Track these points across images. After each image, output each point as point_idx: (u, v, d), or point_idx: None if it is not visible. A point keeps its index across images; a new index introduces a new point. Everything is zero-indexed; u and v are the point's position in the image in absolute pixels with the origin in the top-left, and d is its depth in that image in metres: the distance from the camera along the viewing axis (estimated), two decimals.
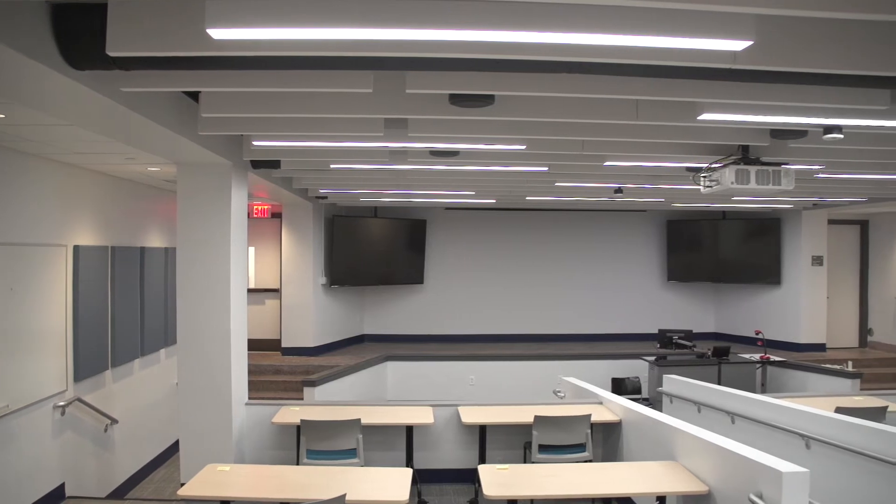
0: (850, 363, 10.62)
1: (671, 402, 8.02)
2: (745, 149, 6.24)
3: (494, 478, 4.62)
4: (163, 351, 8.75)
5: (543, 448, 6.19)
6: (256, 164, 6.97)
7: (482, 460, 6.62)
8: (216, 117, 5.24)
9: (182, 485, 5.22)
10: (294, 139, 5.90)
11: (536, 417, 6.18)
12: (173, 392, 8.29)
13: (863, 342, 13.64)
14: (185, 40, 3.26)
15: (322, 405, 7.23)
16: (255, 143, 6.09)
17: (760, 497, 3.81)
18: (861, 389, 9.28)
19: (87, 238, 6.93)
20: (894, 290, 12.85)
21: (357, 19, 2.96)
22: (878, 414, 6.67)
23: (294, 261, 11.43)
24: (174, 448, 8.50)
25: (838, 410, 5.93)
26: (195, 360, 6.52)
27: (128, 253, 7.80)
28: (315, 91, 4.54)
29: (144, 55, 3.39)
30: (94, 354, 6.98)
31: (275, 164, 7.07)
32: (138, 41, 3.28)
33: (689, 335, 11.29)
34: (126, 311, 7.70)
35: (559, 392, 8.21)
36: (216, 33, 3.02)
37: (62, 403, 6.33)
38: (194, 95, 5.10)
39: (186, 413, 6.55)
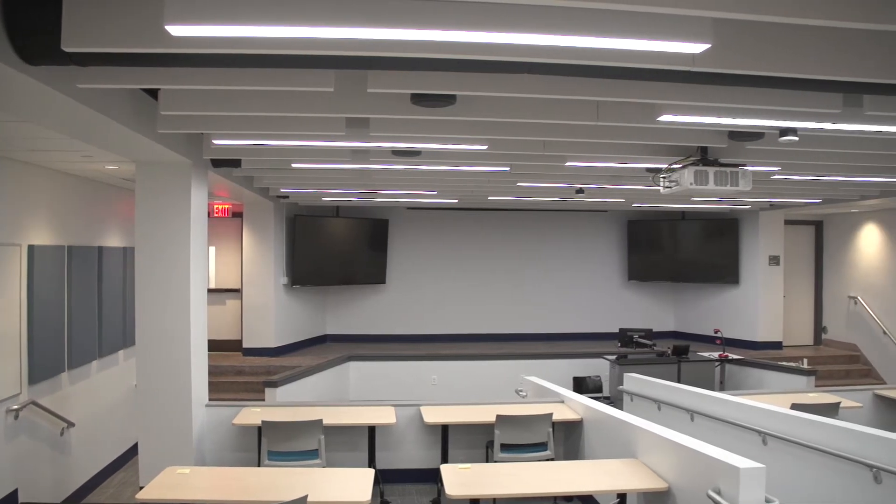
0: (805, 360, 10.85)
1: (632, 400, 8.10)
2: (703, 150, 6.33)
3: (457, 477, 4.63)
4: (121, 352, 8.60)
5: (505, 447, 6.21)
6: (217, 163, 6.91)
7: (444, 460, 6.62)
8: (176, 115, 5.18)
9: (141, 488, 5.15)
10: (255, 138, 5.85)
11: (498, 417, 6.21)
12: (132, 394, 8.15)
13: (818, 340, 13.92)
14: (144, 36, 3.21)
15: (284, 406, 7.19)
16: (215, 141, 6.02)
17: (719, 493, 3.87)
18: (816, 386, 9.45)
19: (42, 237, 6.79)
20: (848, 289, 13.13)
21: (318, 18, 2.94)
22: (831, 410, 6.82)
23: (255, 261, 11.34)
24: (133, 451, 8.36)
25: (794, 407, 6.05)
26: (154, 362, 6.44)
27: (85, 253, 7.66)
28: (276, 89, 4.50)
29: (102, 51, 3.31)
30: (49, 356, 6.84)
31: (235, 163, 7.00)
32: (95, 36, 3.21)
33: (649, 334, 11.42)
34: (83, 311, 7.55)
35: (521, 391, 8.26)
36: (175, 30, 2.98)
37: (15, 407, 6.19)
38: (153, 93, 5.02)
39: (145, 415, 6.47)
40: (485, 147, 6.12)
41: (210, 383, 7.13)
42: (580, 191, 9.49)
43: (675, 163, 6.44)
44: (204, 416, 6.73)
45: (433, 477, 6.45)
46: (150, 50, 3.30)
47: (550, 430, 6.29)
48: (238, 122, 5.37)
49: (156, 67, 3.97)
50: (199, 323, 6.67)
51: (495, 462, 6.08)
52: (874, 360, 12.48)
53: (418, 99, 4.51)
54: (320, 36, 3.08)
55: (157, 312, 6.42)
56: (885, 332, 12.14)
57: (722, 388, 10.54)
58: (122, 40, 3.24)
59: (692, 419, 6.75)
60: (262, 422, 5.95)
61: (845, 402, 7.22)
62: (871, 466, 4.60)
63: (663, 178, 6.46)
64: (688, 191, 6.15)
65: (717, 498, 3.83)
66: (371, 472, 4.68)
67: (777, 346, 12.93)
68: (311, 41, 3.18)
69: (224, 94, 4.76)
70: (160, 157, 6.08)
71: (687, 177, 6.06)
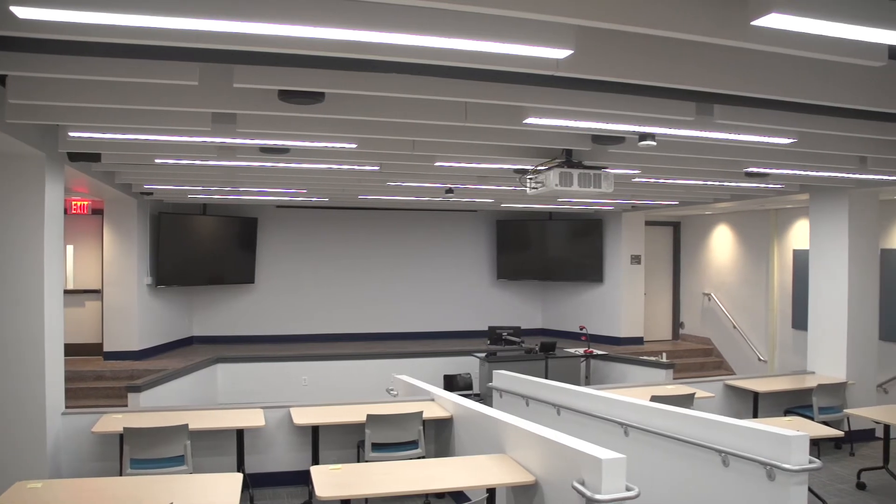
0: (664, 355, 11.38)
1: (501, 396, 8.26)
2: (568, 153, 6.54)
3: (327, 478, 4.59)
4: None
5: (376, 446, 6.21)
6: (74, 157, 6.54)
7: (315, 461, 6.55)
8: (26, 104, 4.86)
9: None
10: (115, 131, 5.56)
11: (369, 416, 6.20)
12: None
13: (675, 335, 14.65)
14: None
15: (147, 411, 6.90)
16: (71, 133, 5.70)
17: (583, 484, 3.99)
18: (674, 378, 9.93)
19: None
20: (702, 287, 13.90)
21: (180, 8, 2.83)
22: (687, 400, 7.20)
23: (117, 260, 10.83)
24: None
25: (653, 399, 6.33)
26: (4, 368, 6.01)
27: None
28: (137, 81, 4.31)
29: None
30: None
31: (94, 158, 6.67)
32: None
33: (517, 331, 11.69)
34: None
35: (392, 390, 8.27)
36: (21, 11, 2.76)
37: None
38: (1, 79, 4.71)
39: None
40: (354, 146, 6.09)
41: (67, 390, 6.76)
42: (450, 191, 9.60)
43: (541, 164, 6.62)
44: (60, 425, 6.37)
45: (304, 479, 6.38)
46: None
47: (421, 428, 6.34)
48: (97, 114, 5.11)
49: (1, 52, 3.71)
50: (54, 326, 6.30)
51: (367, 462, 6.06)
52: (725, 353, 13.28)
53: (286, 95, 4.44)
54: (183, 27, 2.97)
55: (7, 315, 6.01)
56: (734, 327, 12.93)
57: (587, 383, 10.90)
58: None
59: (559, 413, 6.95)
60: (124, 429, 5.71)
61: (700, 393, 7.66)
62: (720, 451, 4.89)
63: (530, 179, 6.63)
64: (553, 192, 6.33)
65: (581, 489, 3.96)
66: (239, 476, 4.56)
67: (638, 341, 13.52)
68: (172, 32, 3.06)
69: (81, 84, 4.50)
70: (9, 149, 5.70)
71: (552, 178, 6.24)
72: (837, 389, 8.31)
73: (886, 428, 6.92)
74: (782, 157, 6.64)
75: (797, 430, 4.58)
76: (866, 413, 7.09)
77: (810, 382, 8.48)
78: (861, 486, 6.97)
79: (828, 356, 9.10)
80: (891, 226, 10.07)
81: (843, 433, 6.32)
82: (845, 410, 7.71)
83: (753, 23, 2.78)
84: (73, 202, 10.81)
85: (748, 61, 3.88)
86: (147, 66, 3.93)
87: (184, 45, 3.22)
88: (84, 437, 6.34)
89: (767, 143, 5.88)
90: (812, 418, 7.58)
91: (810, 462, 4.46)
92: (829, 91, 4.18)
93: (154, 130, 5.52)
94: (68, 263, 11.46)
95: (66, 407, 6.61)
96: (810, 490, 5.32)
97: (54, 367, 6.34)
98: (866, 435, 8.58)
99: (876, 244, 9.17)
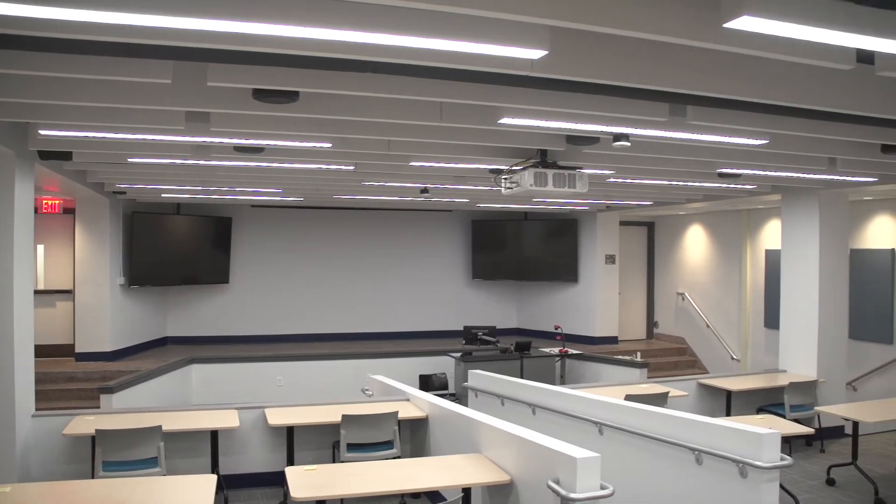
0: (638, 354, 11.47)
1: (476, 396, 8.27)
2: (543, 153, 6.56)
3: (302, 479, 4.57)
4: None
5: (352, 447, 6.20)
6: (45, 155, 6.45)
7: (290, 462, 6.52)
8: None
9: None
10: (87, 129, 5.49)
11: (344, 416, 6.19)
12: None
13: (650, 334, 14.76)
14: None
15: (120, 413, 6.84)
16: (41, 131, 5.63)
17: (558, 482, 4.01)
18: (648, 377, 10.00)
19: None
20: (676, 286, 14.01)
21: (154, 5, 2.80)
22: (661, 399, 7.26)
23: (89, 259, 10.69)
24: None
25: (628, 398, 6.38)
26: None
27: None
28: (110, 79, 4.25)
29: None
30: None
31: (66, 156, 6.59)
32: None
33: (493, 331, 11.71)
34: None
35: (367, 390, 8.26)
36: None
37: None
38: None
39: None
40: (329, 145, 6.07)
41: (38, 392, 6.68)
42: (425, 190, 9.60)
43: (516, 165, 6.64)
44: (30, 428, 6.29)
45: (279, 480, 6.33)
46: None
47: (396, 428, 6.34)
48: (68, 112, 5.04)
49: None
50: (23, 326, 6.21)
51: (342, 462, 6.05)
52: (699, 352, 13.40)
53: (261, 94, 4.42)
54: (155, 25, 2.93)
55: None
56: (708, 326, 13.05)
57: (562, 382, 10.96)
58: None
59: (534, 413, 6.97)
60: (96, 430, 5.65)
61: (673, 392, 7.73)
62: (693, 449, 4.93)
63: (505, 179, 6.64)
64: (528, 192, 6.35)
65: (556, 487, 3.98)
66: (213, 477, 4.53)
67: (613, 340, 13.60)
68: (145, 29, 3.02)
69: (52, 81, 4.43)
70: None
71: (527, 178, 6.26)
72: (808, 387, 8.41)
73: (855, 425, 7.02)
74: (754, 157, 6.72)
75: (769, 428, 4.63)
76: (836, 410, 7.18)
77: (782, 381, 8.58)
78: (831, 482, 7.06)
79: (799, 355, 9.22)
80: (860, 226, 10.22)
81: (813, 430, 6.40)
82: (816, 408, 7.81)
83: (725, 25, 2.81)
84: (44, 201, 10.69)
85: (721, 63, 3.92)
86: (119, 64, 3.88)
87: (157, 43, 3.18)
88: (55, 440, 6.26)
89: (740, 144, 5.94)
90: (784, 416, 7.67)
91: (782, 459, 4.52)
92: (800, 93, 4.24)
93: (127, 129, 5.46)
94: (39, 263, 11.33)
95: (37, 409, 6.52)
96: (782, 486, 5.38)
97: (24, 369, 6.26)
98: (836, 432, 8.70)
99: (846, 244, 9.30)
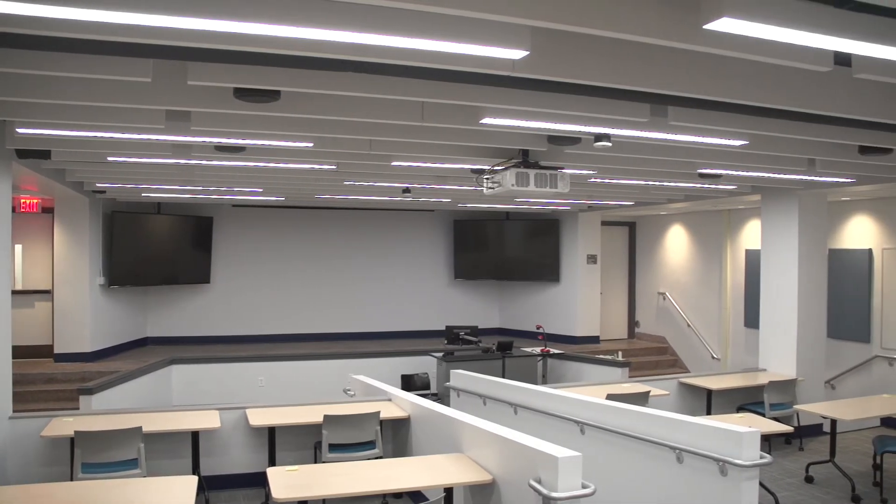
0: (619, 353, 11.52)
1: (458, 396, 8.27)
2: (524, 153, 6.58)
3: (284, 480, 4.55)
4: None
5: (334, 447, 6.18)
6: (23, 154, 6.40)
7: (272, 463, 6.49)
8: None
9: None
10: (65, 128, 5.44)
11: (326, 417, 6.17)
12: None
13: (631, 334, 14.84)
14: None
15: (99, 414, 6.77)
16: (19, 130, 5.57)
17: (539, 482, 4.02)
18: (629, 377, 10.05)
19: None
20: (657, 286, 14.09)
21: (133, 3, 2.78)
22: (642, 398, 7.30)
23: (68, 259, 10.60)
24: None
25: (609, 397, 6.40)
26: None
27: None
28: (89, 77, 4.21)
29: None
30: None
31: (44, 155, 6.53)
32: None
33: (475, 331, 11.70)
34: None
35: (349, 390, 8.24)
36: None
37: None
38: None
39: None
40: (310, 144, 6.06)
41: (15, 393, 6.60)
42: (407, 190, 9.60)
43: (498, 165, 6.65)
44: (7, 430, 6.22)
45: (261, 481, 6.32)
46: None
47: (378, 428, 6.33)
48: (46, 110, 5.00)
49: None
50: (0, 327, 6.16)
51: (324, 462, 6.03)
52: (680, 351, 13.48)
53: (241, 93, 4.39)
54: (135, 23, 2.91)
55: None
56: (688, 325, 13.13)
57: (544, 382, 10.97)
58: None
59: (516, 412, 6.98)
60: (75, 432, 5.60)
61: (654, 391, 7.76)
62: (674, 448, 4.95)
63: (487, 179, 6.65)
64: (510, 192, 6.36)
65: (538, 487, 3.99)
66: (194, 479, 4.50)
67: (595, 340, 13.65)
68: (125, 27, 2.99)
69: (30, 79, 4.39)
70: None
71: (509, 178, 6.27)
72: (787, 386, 8.48)
73: (833, 423, 7.10)
74: (734, 158, 6.77)
75: (749, 427, 4.66)
76: (814, 409, 7.25)
77: (762, 379, 8.65)
78: (809, 480, 7.13)
79: (778, 354, 9.29)
80: (839, 226, 10.32)
81: (792, 429, 6.45)
82: (795, 406, 7.88)
83: (706, 26, 2.83)
84: (22, 200, 10.58)
85: (701, 64, 3.95)
86: (99, 62, 3.85)
87: (137, 41, 3.15)
88: (33, 442, 6.19)
89: (720, 145, 5.99)
90: (763, 414, 7.73)
91: (761, 457, 4.55)
92: (779, 94, 4.27)
93: (106, 128, 5.41)
94: (17, 263, 11.22)
95: (14, 411, 6.45)
96: (761, 484, 5.43)
97: (1, 370, 6.20)
98: (814, 430, 8.79)
99: (824, 244, 9.39)
